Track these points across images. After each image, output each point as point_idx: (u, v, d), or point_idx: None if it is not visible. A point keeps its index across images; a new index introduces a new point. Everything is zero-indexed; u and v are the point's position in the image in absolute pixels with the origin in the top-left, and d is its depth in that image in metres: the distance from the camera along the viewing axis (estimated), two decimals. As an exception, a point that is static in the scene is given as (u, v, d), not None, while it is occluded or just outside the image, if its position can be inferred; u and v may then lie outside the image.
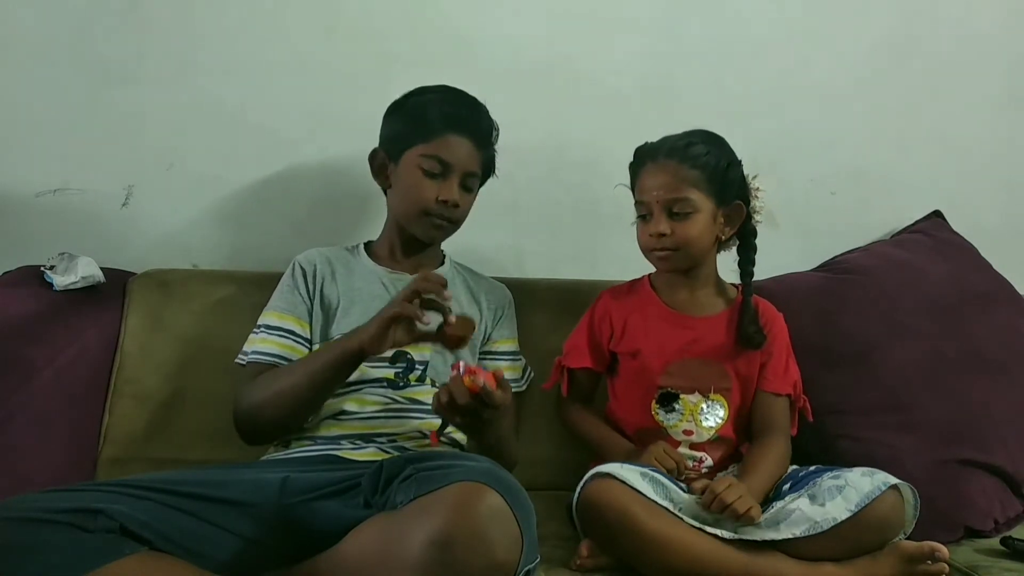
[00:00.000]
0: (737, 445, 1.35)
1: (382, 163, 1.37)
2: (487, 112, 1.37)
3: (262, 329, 1.30)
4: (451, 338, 1.10)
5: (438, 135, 1.30)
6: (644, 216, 1.34)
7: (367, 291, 1.34)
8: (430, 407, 1.14)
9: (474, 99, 1.36)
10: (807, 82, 1.77)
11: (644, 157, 1.33)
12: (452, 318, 1.09)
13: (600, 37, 1.70)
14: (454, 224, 1.36)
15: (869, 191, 1.80)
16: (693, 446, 1.31)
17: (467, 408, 1.06)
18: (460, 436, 1.31)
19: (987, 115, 1.84)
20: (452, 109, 1.32)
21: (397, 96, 1.38)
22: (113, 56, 1.57)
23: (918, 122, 1.81)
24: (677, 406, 1.31)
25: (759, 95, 1.75)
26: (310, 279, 1.34)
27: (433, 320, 1.10)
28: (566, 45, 1.69)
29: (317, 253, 1.39)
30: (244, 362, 1.29)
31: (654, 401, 1.32)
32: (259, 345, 1.28)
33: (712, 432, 1.31)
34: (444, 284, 1.10)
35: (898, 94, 1.81)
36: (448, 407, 1.07)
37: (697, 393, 1.31)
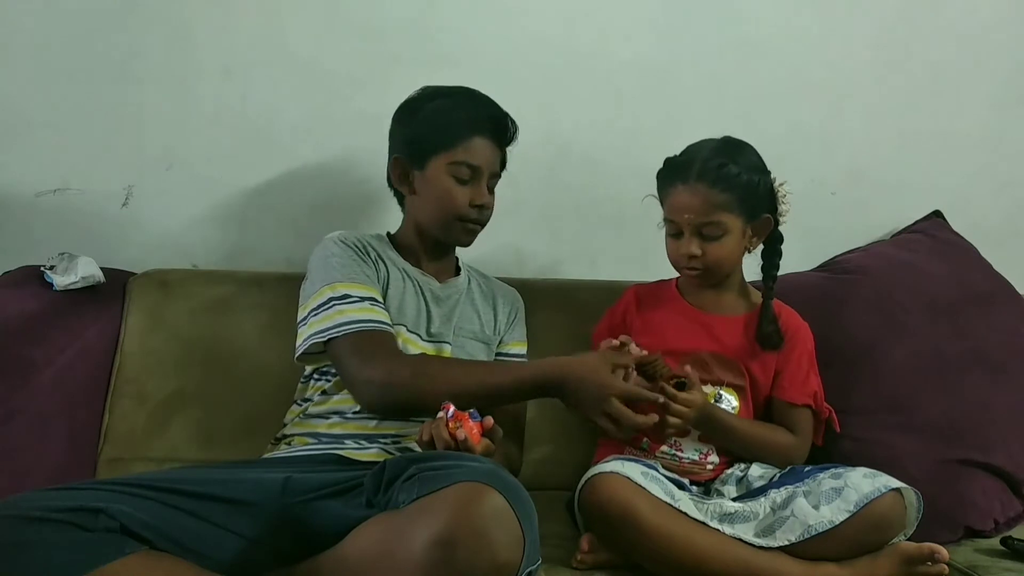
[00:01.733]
0: None
1: (405, 170, 1.35)
2: (504, 110, 1.36)
3: (349, 299, 1.20)
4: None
5: (464, 140, 1.30)
6: (674, 234, 1.33)
7: (401, 285, 1.31)
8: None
9: (490, 99, 1.36)
10: (807, 82, 1.77)
11: (674, 176, 1.31)
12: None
13: (601, 37, 1.70)
14: (483, 226, 1.36)
15: (869, 191, 1.81)
16: (702, 438, 1.31)
17: (446, 449, 1.04)
18: None
19: (987, 115, 1.84)
20: (475, 112, 1.32)
21: (399, 95, 1.37)
22: (113, 56, 1.57)
23: (918, 122, 1.82)
24: None
25: (759, 95, 1.75)
26: (362, 252, 1.29)
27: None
28: (567, 45, 1.69)
29: (349, 234, 1.33)
30: (341, 333, 1.17)
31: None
32: (361, 314, 1.18)
33: None
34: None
35: (898, 94, 1.81)
36: (424, 446, 1.07)
37: (710, 385, 1.32)
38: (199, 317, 1.46)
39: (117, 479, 0.99)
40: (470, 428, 1.04)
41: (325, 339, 1.18)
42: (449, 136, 1.30)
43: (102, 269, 1.44)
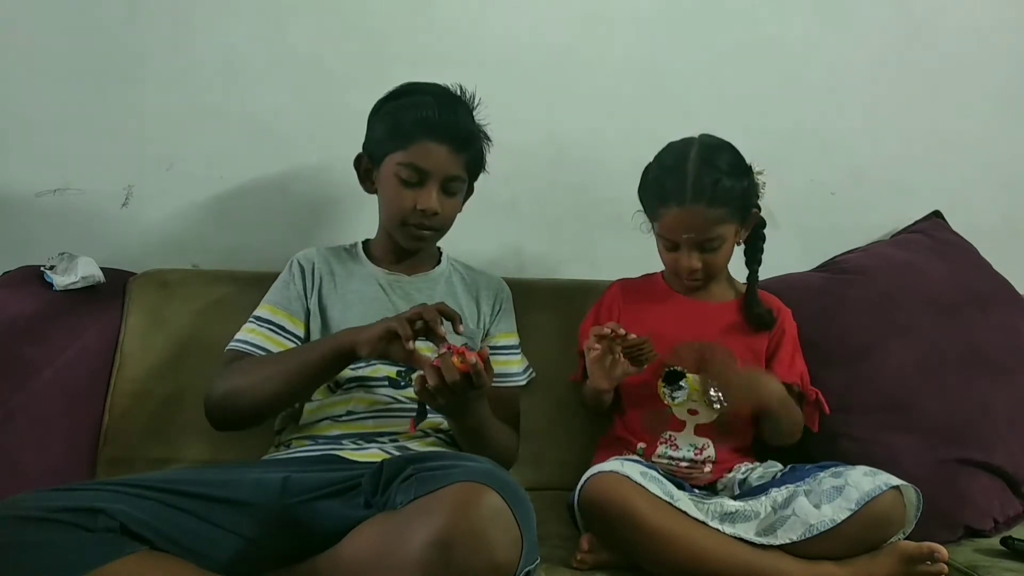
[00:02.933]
0: (745, 440, 1.34)
1: (367, 168, 1.36)
2: (467, 113, 1.34)
3: (253, 320, 1.31)
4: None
5: (413, 142, 1.27)
6: (670, 248, 1.34)
7: (366, 293, 1.34)
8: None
9: (454, 99, 1.33)
10: (807, 82, 1.77)
11: (667, 197, 1.29)
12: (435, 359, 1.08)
13: (600, 37, 1.70)
14: (437, 231, 1.34)
15: (869, 191, 1.81)
16: (698, 429, 1.31)
17: (454, 388, 1.06)
18: (436, 420, 1.29)
19: (987, 115, 1.84)
20: (426, 114, 1.28)
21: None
22: (113, 56, 1.57)
23: (918, 122, 1.82)
24: (683, 384, 1.31)
25: (759, 95, 1.75)
26: (308, 277, 1.35)
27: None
28: (566, 45, 1.69)
29: (316, 252, 1.39)
30: (229, 347, 1.29)
31: (660, 380, 1.32)
32: (247, 335, 1.28)
33: (717, 413, 1.31)
34: (450, 317, 1.13)
35: (898, 94, 1.81)
36: (435, 388, 1.07)
37: (703, 373, 1.32)
38: (199, 317, 1.46)
39: (117, 479, 0.99)
40: (476, 356, 1.05)
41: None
42: (401, 136, 1.28)
43: (102, 269, 1.44)
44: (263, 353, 1.25)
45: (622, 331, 1.22)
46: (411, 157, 1.28)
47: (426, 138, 1.28)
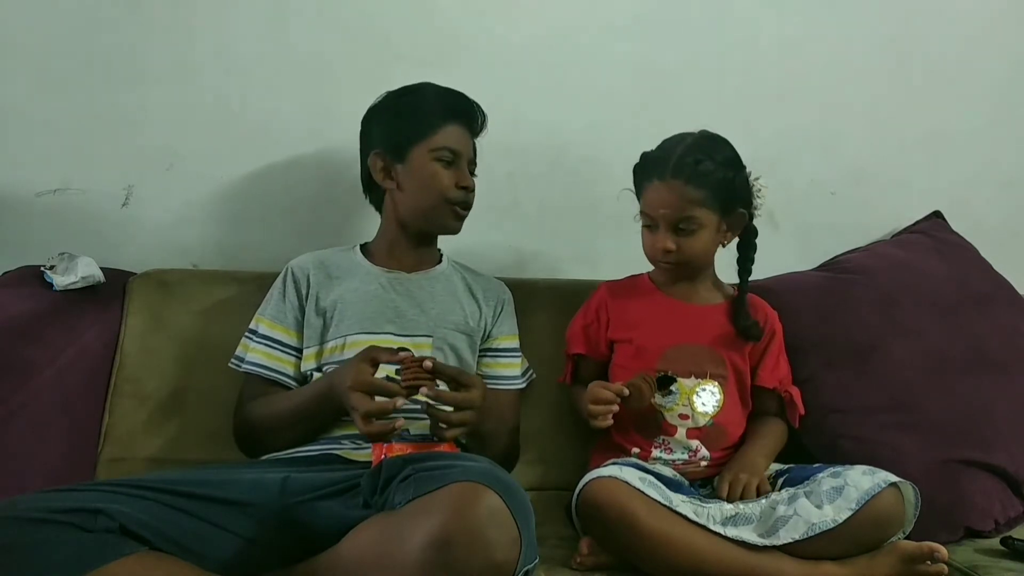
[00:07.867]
0: (738, 442, 1.35)
1: (385, 165, 1.37)
2: (472, 99, 1.40)
3: (255, 337, 1.33)
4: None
5: (440, 127, 1.34)
6: (649, 226, 1.35)
7: (365, 290, 1.35)
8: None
9: (458, 91, 1.40)
10: (807, 82, 1.77)
11: (651, 171, 1.32)
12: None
13: (600, 37, 1.70)
14: (468, 210, 1.39)
15: (869, 191, 1.81)
16: (690, 433, 1.31)
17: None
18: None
19: (987, 115, 1.84)
20: (449, 101, 1.37)
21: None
22: (113, 56, 1.57)
23: (918, 122, 1.81)
24: (674, 389, 1.31)
25: (759, 95, 1.75)
26: (302, 287, 1.36)
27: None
28: (566, 45, 1.69)
29: (311, 258, 1.40)
30: (240, 369, 1.32)
31: None
32: (251, 355, 1.32)
33: (708, 418, 1.31)
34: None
35: (898, 94, 1.81)
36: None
37: (693, 377, 1.32)
38: (199, 317, 1.46)
39: (116, 480, 0.99)
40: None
41: (237, 367, 1.33)
42: (426, 125, 1.34)
43: (102, 269, 1.44)
44: (273, 374, 1.30)
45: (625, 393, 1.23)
46: (444, 140, 1.34)
47: (450, 122, 1.36)
